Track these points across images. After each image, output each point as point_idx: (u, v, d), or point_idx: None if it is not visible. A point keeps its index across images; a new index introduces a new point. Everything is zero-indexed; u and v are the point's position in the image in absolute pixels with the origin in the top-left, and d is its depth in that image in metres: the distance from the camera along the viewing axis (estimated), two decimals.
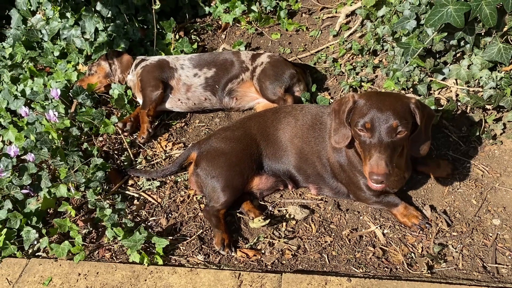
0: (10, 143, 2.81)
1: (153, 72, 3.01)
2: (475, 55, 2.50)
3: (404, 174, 2.29)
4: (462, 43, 2.51)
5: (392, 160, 1.92)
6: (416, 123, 2.01)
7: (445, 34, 2.41)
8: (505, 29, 2.36)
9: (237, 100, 3.01)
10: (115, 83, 3.15)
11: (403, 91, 2.69)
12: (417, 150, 2.12)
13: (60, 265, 2.20)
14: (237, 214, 2.43)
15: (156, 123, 3.01)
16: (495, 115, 2.59)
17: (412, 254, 2.17)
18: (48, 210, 2.50)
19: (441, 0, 2.29)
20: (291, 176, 2.48)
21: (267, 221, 2.29)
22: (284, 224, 2.35)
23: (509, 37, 2.38)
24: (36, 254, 2.31)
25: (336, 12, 3.46)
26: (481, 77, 2.49)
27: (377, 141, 1.91)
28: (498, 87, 2.45)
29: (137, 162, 2.75)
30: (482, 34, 2.44)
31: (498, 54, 2.37)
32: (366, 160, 1.95)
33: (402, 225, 2.30)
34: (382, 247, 2.21)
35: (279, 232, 2.32)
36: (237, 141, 2.45)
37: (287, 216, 2.39)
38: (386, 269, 2.10)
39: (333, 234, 2.29)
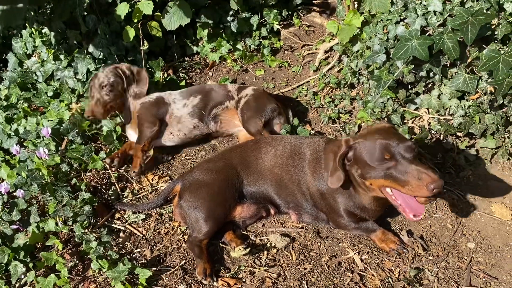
0: (2, 180, 2.91)
1: (151, 109, 3.12)
2: (444, 85, 2.63)
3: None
4: (431, 74, 2.64)
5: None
6: None
7: (412, 66, 2.55)
8: (469, 60, 2.51)
9: (221, 124, 3.15)
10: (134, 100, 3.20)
11: (377, 121, 2.81)
12: None
13: None
14: (220, 244, 2.49)
15: (146, 157, 3.10)
16: (468, 142, 2.70)
17: (389, 279, 2.22)
18: (36, 245, 2.56)
19: (405, 35, 2.45)
20: (272, 202, 2.56)
21: (247, 250, 2.35)
22: (265, 252, 2.41)
23: (474, 67, 2.52)
24: None
25: (316, 49, 3.64)
26: (450, 106, 2.62)
27: (405, 161, 1.97)
28: (467, 114, 2.57)
29: (124, 196, 2.84)
30: (448, 65, 2.58)
31: (464, 84, 2.50)
32: (407, 185, 1.95)
33: (380, 251, 2.36)
34: (360, 272, 2.26)
35: (260, 260, 2.37)
36: (218, 172, 2.54)
37: (268, 244, 2.45)
38: None
39: (312, 261, 2.35)
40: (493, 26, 2.40)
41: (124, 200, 2.81)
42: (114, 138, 3.14)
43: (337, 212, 2.38)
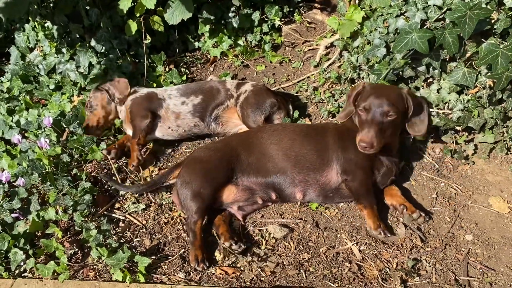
0: (3, 170, 2.92)
1: (142, 103, 3.16)
2: (443, 80, 2.64)
3: (392, 167, 2.55)
4: (430, 69, 2.66)
5: (379, 135, 2.36)
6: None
7: (409, 59, 2.57)
8: (468, 54, 2.52)
9: (222, 126, 3.15)
10: (120, 106, 3.27)
11: None
12: (414, 130, 2.53)
13: (45, 284, 2.26)
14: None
15: (144, 150, 3.11)
16: (466, 136, 2.71)
17: (387, 269, 2.23)
18: (36, 233, 2.57)
19: (405, 28, 2.47)
20: (275, 183, 2.56)
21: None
22: (264, 242, 2.42)
23: (473, 62, 2.53)
24: (22, 275, 2.36)
25: (316, 45, 3.66)
26: (449, 100, 2.63)
27: (370, 119, 2.38)
28: (466, 109, 2.58)
29: None
30: (447, 60, 2.60)
31: (463, 78, 2.52)
32: (359, 132, 2.41)
33: (378, 242, 2.37)
34: (358, 262, 2.28)
35: (259, 250, 2.38)
36: (216, 150, 2.63)
37: (267, 234, 2.46)
38: (361, 283, 2.16)
39: (311, 251, 2.36)
40: (492, 21, 2.42)
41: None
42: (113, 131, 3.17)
43: (358, 164, 2.47)
